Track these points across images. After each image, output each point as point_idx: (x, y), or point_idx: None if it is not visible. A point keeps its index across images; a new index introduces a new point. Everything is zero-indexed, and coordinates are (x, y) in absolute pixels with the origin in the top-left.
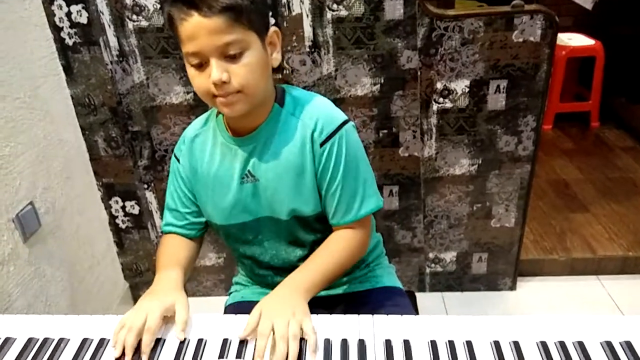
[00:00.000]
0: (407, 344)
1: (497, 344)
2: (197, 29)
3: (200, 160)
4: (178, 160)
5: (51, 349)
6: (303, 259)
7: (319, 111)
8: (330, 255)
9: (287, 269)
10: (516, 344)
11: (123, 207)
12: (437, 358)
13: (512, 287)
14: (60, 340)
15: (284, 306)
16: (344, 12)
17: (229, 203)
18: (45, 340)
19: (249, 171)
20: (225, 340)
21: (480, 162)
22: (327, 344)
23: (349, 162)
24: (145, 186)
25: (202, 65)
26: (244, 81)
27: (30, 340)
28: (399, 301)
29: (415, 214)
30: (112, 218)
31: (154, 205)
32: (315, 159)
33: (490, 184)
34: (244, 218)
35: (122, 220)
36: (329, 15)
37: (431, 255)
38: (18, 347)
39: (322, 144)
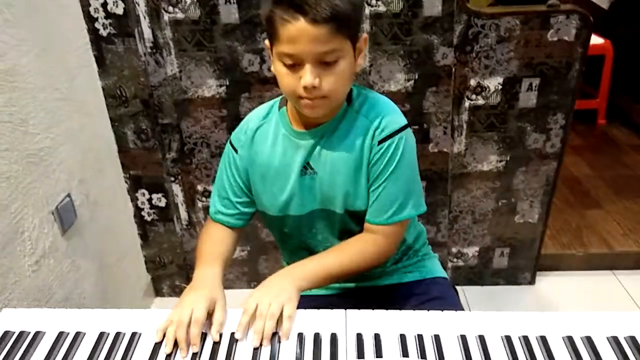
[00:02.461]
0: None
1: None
2: (300, 33)
3: (261, 152)
4: (235, 150)
5: (84, 343)
6: None
7: (384, 111)
8: (341, 254)
9: None
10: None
11: (149, 200)
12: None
13: (532, 282)
14: (87, 335)
15: (272, 288)
16: (382, 8)
17: (287, 195)
18: (78, 334)
19: (308, 163)
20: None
21: (508, 158)
22: (377, 338)
23: (399, 166)
24: (173, 179)
25: (294, 66)
26: (333, 88)
27: (61, 333)
28: (446, 293)
29: (441, 209)
30: (138, 211)
31: (179, 198)
32: (370, 155)
33: (516, 180)
34: (299, 210)
35: (148, 213)
36: (367, 10)
37: (454, 249)
38: (50, 340)
39: (380, 142)
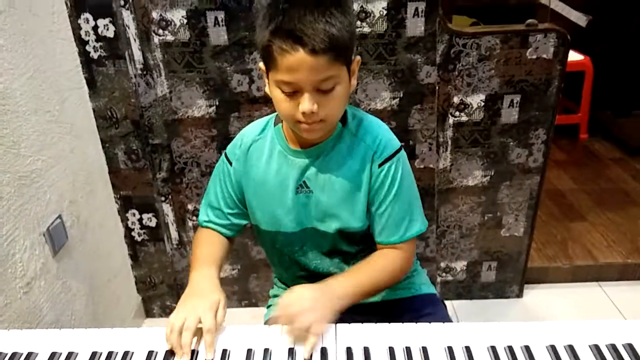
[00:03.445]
0: (450, 350)
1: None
2: (300, 63)
3: (256, 166)
4: (230, 163)
5: None
6: (344, 267)
7: (380, 134)
8: (371, 270)
9: (329, 276)
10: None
11: (140, 220)
12: None
13: (519, 295)
14: (76, 354)
15: (314, 304)
16: (367, 29)
17: (281, 211)
18: (70, 354)
19: (304, 182)
20: (266, 350)
21: (492, 173)
22: (367, 352)
23: (401, 185)
24: (163, 199)
25: (292, 93)
26: (331, 112)
27: (53, 354)
28: (436, 309)
29: (428, 224)
30: (128, 231)
31: (170, 218)
32: (371, 178)
33: (501, 194)
34: (292, 227)
35: (138, 233)
36: None
37: (442, 264)
38: None
39: (380, 165)
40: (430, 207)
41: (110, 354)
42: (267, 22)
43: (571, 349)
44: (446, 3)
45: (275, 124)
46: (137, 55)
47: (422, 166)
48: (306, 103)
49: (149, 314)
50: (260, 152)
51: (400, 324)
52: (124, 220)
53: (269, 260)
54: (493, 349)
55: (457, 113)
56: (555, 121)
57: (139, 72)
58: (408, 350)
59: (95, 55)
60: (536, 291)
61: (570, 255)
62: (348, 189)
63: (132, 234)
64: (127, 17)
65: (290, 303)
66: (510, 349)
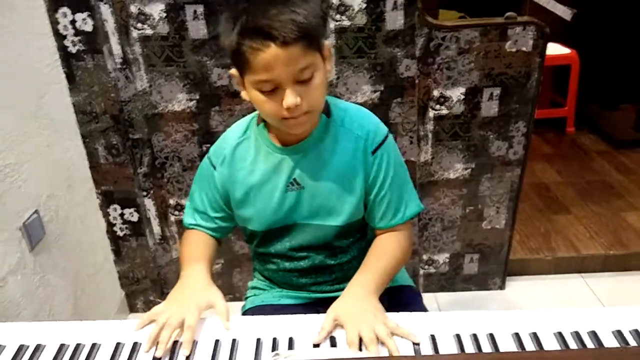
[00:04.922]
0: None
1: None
2: (274, 59)
3: (242, 169)
4: (214, 167)
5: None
6: (329, 261)
7: (367, 122)
8: (388, 255)
9: (313, 269)
10: (535, 335)
11: (122, 215)
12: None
13: (502, 287)
14: (64, 345)
15: (364, 311)
16: (346, 22)
17: (271, 211)
18: (38, 346)
19: (294, 179)
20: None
21: (473, 166)
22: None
23: (396, 168)
24: (145, 193)
25: (272, 91)
26: (314, 102)
27: (21, 346)
28: (415, 300)
29: None
30: (110, 226)
31: (152, 213)
32: (367, 167)
33: (482, 187)
34: (282, 224)
35: (120, 228)
36: (332, 25)
37: (425, 257)
38: (9, 354)
39: (373, 152)
40: None
41: (78, 345)
42: (231, 25)
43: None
44: None
45: (257, 123)
46: (116, 49)
47: (403, 159)
48: (289, 97)
49: (132, 309)
50: (246, 153)
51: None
52: (106, 215)
53: (252, 256)
54: (475, 336)
55: (438, 106)
56: (542, 115)
57: (118, 66)
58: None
59: (73, 50)
60: (519, 283)
61: (553, 247)
62: (343, 180)
63: (114, 229)
64: (106, 10)
65: (348, 324)
66: (492, 336)
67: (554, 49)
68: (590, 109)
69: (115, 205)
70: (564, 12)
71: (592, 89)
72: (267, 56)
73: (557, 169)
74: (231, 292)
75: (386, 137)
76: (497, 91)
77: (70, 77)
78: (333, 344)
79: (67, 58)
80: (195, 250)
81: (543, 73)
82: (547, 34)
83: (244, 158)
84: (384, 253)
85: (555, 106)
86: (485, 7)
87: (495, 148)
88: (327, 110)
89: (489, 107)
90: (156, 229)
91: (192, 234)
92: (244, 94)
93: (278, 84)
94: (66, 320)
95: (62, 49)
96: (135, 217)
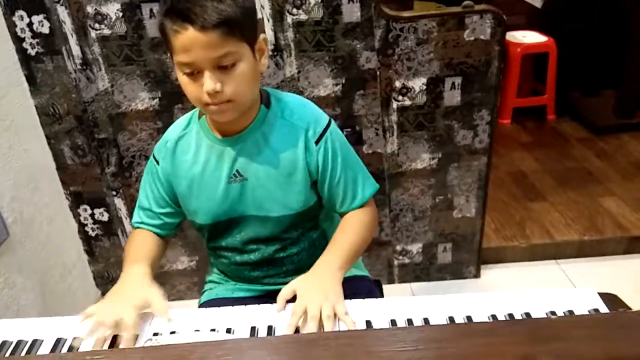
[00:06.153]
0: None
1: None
2: (192, 42)
3: (184, 162)
4: (157, 162)
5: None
6: (280, 253)
7: (307, 112)
8: (353, 234)
9: (263, 262)
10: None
11: (92, 215)
12: None
13: (477, 275)
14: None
15: (319, 288)
16: (303, 16)
17: (215, 203)
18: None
19: (237, 171)
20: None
21: (440, 156)
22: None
23: (344, 153)
24: (114, 193)
25: (194, 74)
26: (236, 90)
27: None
28: (367, 288)
29: (381, 208)
30: (82, 226)
31: (123, 212)
32: (311, 157)
33: (450, 176)
34: (229, 216)
35: (92, 228)
36: (289, 19)
37: (398, 247)
38: None
39: (317, 142)
40: (382, 191)
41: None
42: (161, 7)
43: (527, 316)
44: None
45: (199, 117)
46: (76, 50)
47: (370, 151)
48: (208, 82)
49: None
50: (187, 146)
51: (361, 299)
52: (77, 215)
53: (206, 250)
54: (451, 319)
55: (400, 97)
56: (523, 103)
57: (79, 67)
58: (369, 323)
59: (32, 52)
60: (494, 271)
61: (528, 234)
62: (284, 170)
63: (86, 229)
64: (62, 12)
65: (299, 297)
66: (469, 318)
67: (532, 37)
68: (571, 96)
69: (85, 206)
70: (535, 0)
71: (572, 76)
72: (185, 38)
73: (535, 157)
74: None
75: (328, 124)
76: (458, 80)
77: (31, 79)
78: (229, 330)
79: (26, 60)
80: (138, 250)
81: (510, 61)
82: (505, 21)
83: (186, 151)
84: (349, 232)
85: (536, 94)
86: None
87: (461, 137)
88: (266, 102)
89: (452, 97)
90: (128, 227)
91: (136, 233)
92: (177, 77)
93: (198, 67)
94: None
95: (21, 51)
96: (105, 217)
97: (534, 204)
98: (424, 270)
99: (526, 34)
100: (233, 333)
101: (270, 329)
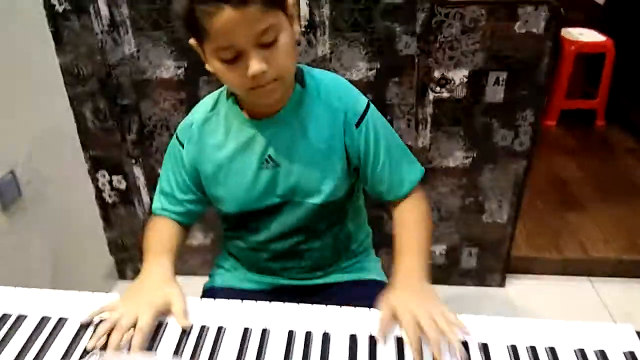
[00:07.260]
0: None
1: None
2: (230, 21)
3: (211, 146)
4: (182, 145)
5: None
6: (301, 245)
7: (345, 92)
8: (416, 230)
9: (283, 254)
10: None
11: (110, 182)
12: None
13: (501, 284)
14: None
15: (419, 300)
16: None
17: (244, 190)
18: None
19: (269, 156)
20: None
21: (474, 155)
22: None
23: (386, 135)
24: (133, 161)
25: (234, 59)
26: (282, 66)
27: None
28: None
29: None
30: (99, 192)
31: (141, 181)
32: (352, 141)
33: (483, 178)
34: (258, 205)
35: (109, 195)
36: None
37: None
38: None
39: (357, 125)
40: None
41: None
42: None
43: (552, 351)
44: None
45: (227, 97)
46: (104, 10)
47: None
48: (254, 64)
49: (121, 275)
50: (215, 129)
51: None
52: (94, 180)
53: (224, 236)
54: (464, 344)
55: (438, 88)
56: (571, 106)
57: (106, 28)
58: (372, 338)
59: (60, 9)
60: (520, 282)
61: (561, 247)
62: (321, 155)
63: (103, 195)
64: None
65: (402, 316)
66: (485, 346)
67: (589, 36)
68: (623, 103)
69: (104, 171)
70: None
71: (628, 82)
72: (222, 20)
73: (578, 164)
74: None
75: (368, 106)
76: (503, 75)
77: (57, 38)
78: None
79: (54, 17)
80: (159, 241)
81: (562, 59)
82: (562, 16)
83: (213, 134)
84: (412, 228)
85: (585, 97)
86: None
87: (500, 137)
88: (301, 80)
89: (494, 92)
90: (145, 198)
91: (157, 221)
92: (207, 66)
93: (239, 50)
94: (43, 284)
95: (49, 8)
96: (123, 185)
97: (571, 215)
98: (446, 273)
99: (583, 32)
100: (250, 333)
101: (291, 335)
